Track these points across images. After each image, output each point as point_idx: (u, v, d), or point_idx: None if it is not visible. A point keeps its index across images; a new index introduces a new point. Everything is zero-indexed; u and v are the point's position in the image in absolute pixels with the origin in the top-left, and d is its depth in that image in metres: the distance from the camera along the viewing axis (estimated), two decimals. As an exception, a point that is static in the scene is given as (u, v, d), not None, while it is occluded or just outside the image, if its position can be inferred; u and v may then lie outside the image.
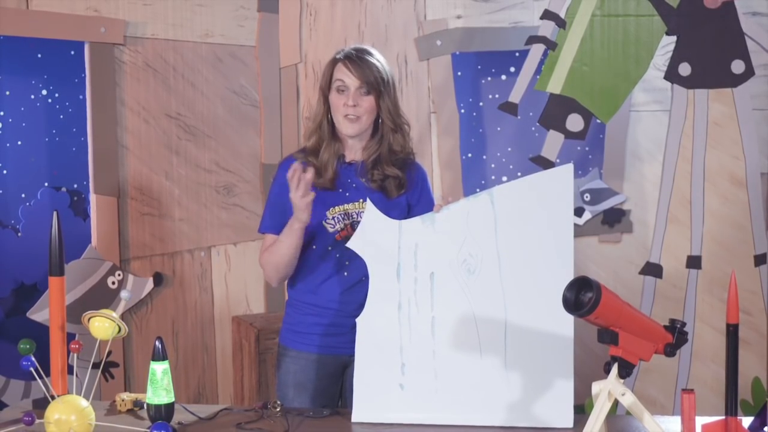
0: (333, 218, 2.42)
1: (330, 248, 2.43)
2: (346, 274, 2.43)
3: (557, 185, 2.20)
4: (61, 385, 2.17)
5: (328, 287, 2.43)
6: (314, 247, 2.44)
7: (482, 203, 2.22)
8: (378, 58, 2.45)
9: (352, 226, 2.38)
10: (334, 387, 2.48)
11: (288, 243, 2.36)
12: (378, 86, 2.42)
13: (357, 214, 2.40)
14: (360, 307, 2.26)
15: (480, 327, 2.20)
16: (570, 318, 2.06)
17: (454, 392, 2.18)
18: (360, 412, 2.20)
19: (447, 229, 2.23)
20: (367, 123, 2.44)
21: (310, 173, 2.26)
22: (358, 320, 2.24)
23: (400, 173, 2.46)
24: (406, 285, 2.23)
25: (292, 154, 2.51)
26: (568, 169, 2.21)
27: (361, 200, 2.42)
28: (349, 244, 2.28)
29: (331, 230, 2.41)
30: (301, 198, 2.26)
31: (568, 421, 2.13)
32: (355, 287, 2.40)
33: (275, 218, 2.45)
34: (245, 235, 3.73)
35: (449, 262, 2.22)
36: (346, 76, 2.41)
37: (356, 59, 2.42)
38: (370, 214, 2.28)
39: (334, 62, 2.45)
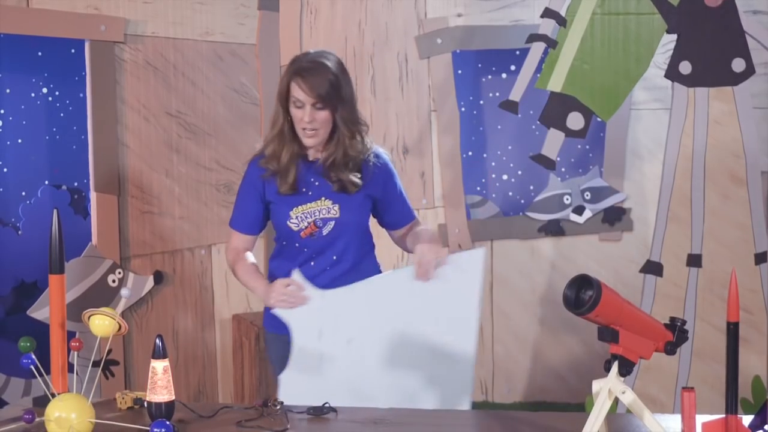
0: (296, 217, 2.46)
1: (297, 244, 2.49)
2: (312, 263, 2.49)
3: (469, 267, 2.40)
4: (62, 382, 2.16)
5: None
6: (284, 243, 2.52)
7: (402, 278, 2.41)
8: (333, 70, 2.40)
9: (316, 224, 2.45)
10: None
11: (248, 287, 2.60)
12: (332, 101, 2.39)
13: (319, 212, 2.45)
14: (324, 288, 2.41)
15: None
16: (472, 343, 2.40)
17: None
18: None
19: (367, 300, 2.41)
20: (325, 133, 2.44)
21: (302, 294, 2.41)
22: (281, 377, 2.40)
23: (354, 178, 2.46)
24: (327, 346, 2.39)
25: (257, 156, 2.52)
26: (479, 254, 2.43)
27: (323, 198, 2.46)
28: (274, 312, 2.42)
29: (295, 229, 2.46)
30: (278, 302, 2.41)
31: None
32: (321, 275, 2.48)
33: (241, 216, 2.56)
34: (245, 233, 3.73)
35: (367, 329, 2.38)
36: (300, 95, 2.39)
37: (309, 76, 2.38)
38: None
39: (289, 77, 2.41)
